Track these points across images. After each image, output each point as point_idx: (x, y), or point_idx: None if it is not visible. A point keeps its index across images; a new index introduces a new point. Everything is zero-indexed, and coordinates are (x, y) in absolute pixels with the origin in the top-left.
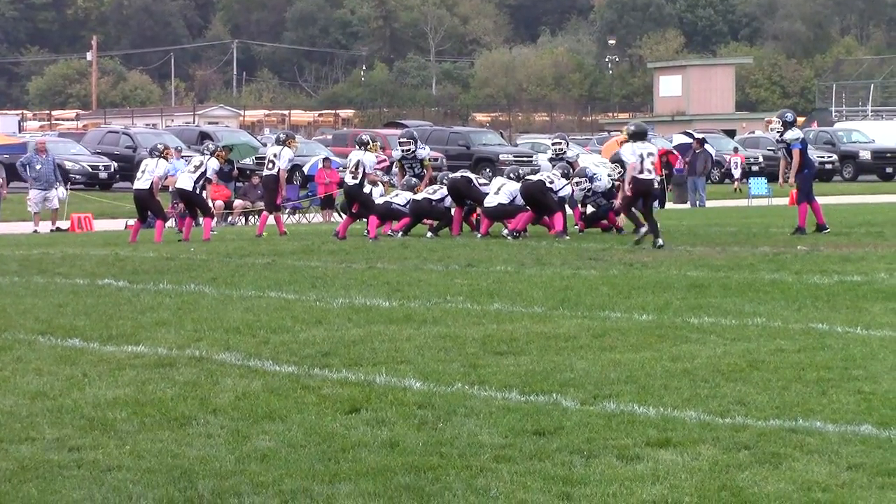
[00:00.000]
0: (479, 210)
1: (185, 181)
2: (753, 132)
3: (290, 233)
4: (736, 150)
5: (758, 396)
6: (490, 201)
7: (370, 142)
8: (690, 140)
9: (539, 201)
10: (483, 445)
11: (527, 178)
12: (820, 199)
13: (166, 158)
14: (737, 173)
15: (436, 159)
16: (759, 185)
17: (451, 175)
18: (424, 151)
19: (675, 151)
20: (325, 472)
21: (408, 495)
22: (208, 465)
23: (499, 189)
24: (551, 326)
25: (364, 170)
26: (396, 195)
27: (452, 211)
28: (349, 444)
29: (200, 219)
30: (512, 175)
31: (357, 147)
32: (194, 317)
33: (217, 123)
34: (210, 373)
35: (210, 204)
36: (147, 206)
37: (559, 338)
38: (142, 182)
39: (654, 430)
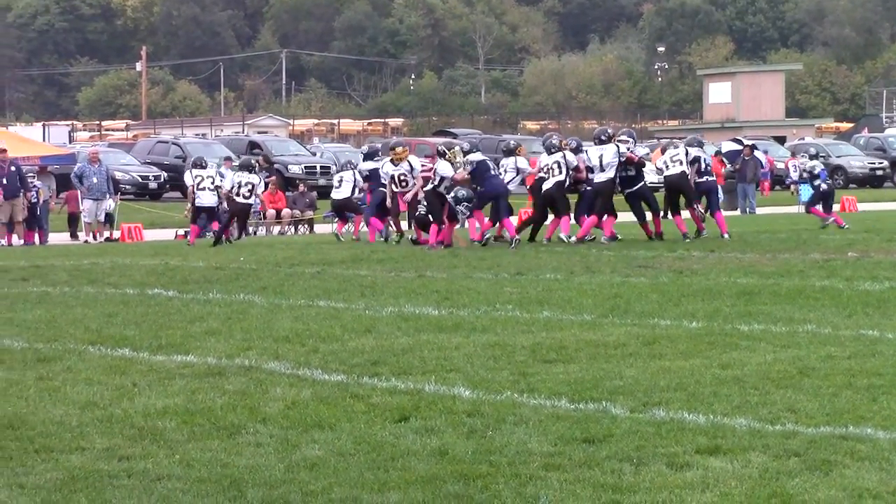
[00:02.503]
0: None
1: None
2: (804, 138)
3: (341, 241)
4: (793, 154)
5: (808, 403)
6: (547, 184)
7: (447, 151)
8: (740, 147)
9: (684, 193)
10: (532, 453)
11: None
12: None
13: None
14: (794, 176)
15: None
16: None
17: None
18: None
19: (724, 160)
20: (374, 480)
21: None
22: (258, 474)
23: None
24: (601, 334)
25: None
26: None
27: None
28: (398, 453)
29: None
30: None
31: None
32: (244, 326)
33: (266, 133)
34: (259, 382)
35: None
36: (346, 211)
37: (609, 345)
38: (341, 192)
39: (703, 437)
